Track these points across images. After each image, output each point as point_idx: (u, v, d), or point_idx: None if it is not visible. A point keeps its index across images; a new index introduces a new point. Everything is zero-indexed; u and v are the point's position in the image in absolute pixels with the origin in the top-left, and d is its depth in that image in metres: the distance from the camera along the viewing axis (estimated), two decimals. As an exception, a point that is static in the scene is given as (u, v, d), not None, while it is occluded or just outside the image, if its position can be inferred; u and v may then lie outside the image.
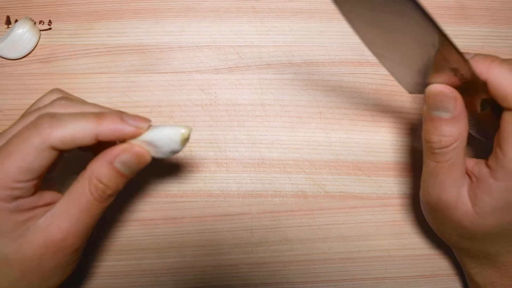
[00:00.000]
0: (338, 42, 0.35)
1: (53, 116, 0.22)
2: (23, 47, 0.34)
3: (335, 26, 0.35)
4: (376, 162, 0.33)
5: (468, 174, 0.25)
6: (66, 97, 0.24)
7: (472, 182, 0.24)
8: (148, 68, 0.34)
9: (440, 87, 0.24)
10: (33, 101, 0.33)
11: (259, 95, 0.34)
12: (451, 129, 0.24)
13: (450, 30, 0.36)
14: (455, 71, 0.23)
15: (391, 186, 0.33)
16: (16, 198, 0.22)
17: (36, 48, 0.34)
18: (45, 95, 0.26)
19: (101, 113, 0.23)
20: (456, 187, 0.24)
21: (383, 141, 0.34)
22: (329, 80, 0.34)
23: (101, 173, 0.23)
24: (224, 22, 0.35)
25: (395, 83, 0.34)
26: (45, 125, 0.21)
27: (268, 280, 0.31)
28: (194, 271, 0.31)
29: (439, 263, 0.32)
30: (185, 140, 0.24)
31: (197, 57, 0.35)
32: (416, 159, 0.33)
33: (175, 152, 0.25)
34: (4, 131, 0.24)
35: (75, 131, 0.22)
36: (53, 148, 0.22)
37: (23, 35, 0.33)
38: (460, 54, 0.21)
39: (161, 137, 0.24)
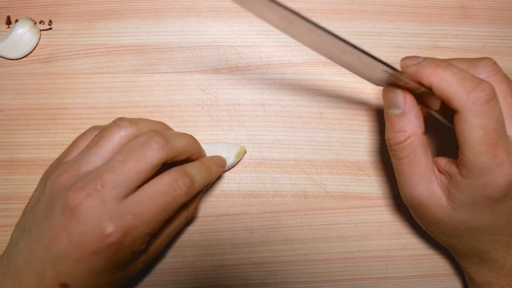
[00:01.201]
0: (339, 42, 0.35)
1: (192, 180, 0.26)
2: (23, 47, 0.34)
3: (335, 26, 0.35)
4: (376, 162, 0.33)
5: (442, 171, 0.26)
6: (160, 136, 0.25)
7: (446, 179, 0.25)
8: (148, 68, 0.34)
9: (392, 88, 0.26)
10: (33, 101, 0.33)
11: (259, 95, 0.34)
12: (403, 124, 0.25)
13: (450, 30, 0.36)
14: (396, 78, 0.25)
15: (392, 186, 0.33)
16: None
17: (36, 48, 0.34)
18: (118, 126, 0.26)
19: (209, 168, 0.29)
20: (424, 184, 0.25)
21: (383, 141, 0.34)
22: (330, 80, 0.34)
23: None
24: (224, 22, 0.35)
25: (396, 83, 0.34)
26: (189, 184, 0.26)
27: (268, 280, 0.31)
28: (194, 271, 0.31)
29: (439, 263, 0.32)
30: (240, 154, 0.32)
31: (198, 57, 0.35)
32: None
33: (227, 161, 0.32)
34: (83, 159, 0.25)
35: (204, 185, 0.28)
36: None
37: (23, 35, 0.33)
38: (387, 65, 0.23)
39: (224, 147, 0.32)
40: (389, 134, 0.26)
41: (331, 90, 0.34)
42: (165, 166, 0.26)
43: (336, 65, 0.35)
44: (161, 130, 0.26)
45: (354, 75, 0.35)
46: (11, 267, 0.24)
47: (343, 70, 0.35)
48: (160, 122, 0.29)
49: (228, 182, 0.33)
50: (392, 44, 0.35)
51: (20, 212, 0.32)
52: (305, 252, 0.32)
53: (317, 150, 0.33)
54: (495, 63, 0.25)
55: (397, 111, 0.26)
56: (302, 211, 0.32)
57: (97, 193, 0.23)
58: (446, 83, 0.23)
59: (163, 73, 0.34)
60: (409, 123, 0.25)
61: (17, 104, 0.33)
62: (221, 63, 0.35)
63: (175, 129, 0.33)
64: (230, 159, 0.31)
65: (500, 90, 0.24)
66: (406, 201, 0.27)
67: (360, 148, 0.33)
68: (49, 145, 0.33)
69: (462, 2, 0.36)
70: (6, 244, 0.31)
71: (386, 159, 0.33)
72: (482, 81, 0.23)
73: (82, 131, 0.33)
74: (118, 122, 0.26)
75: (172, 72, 0.34)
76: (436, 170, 0.26)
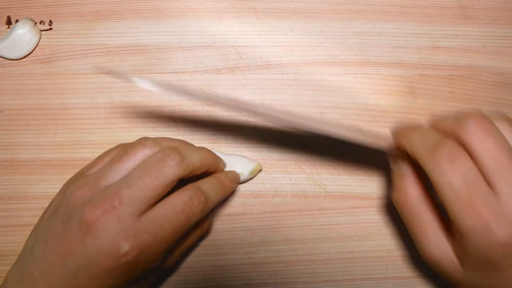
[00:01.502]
0: (339, 42, 0.35)
1: (206, 198, 0.26)
2: (23, 47, 0.34)
3: (335, 26, 0.35)
4: (376, 162, 0.33)
5: (452, 231, 0.25)
6: (178, 154, 0.26)
7: (454, 239, 0.24)
8: (148, 68, 0.34)
9: (395, 149, 0.27)
10: (33, 101, 0.33)
11: (259, 95, 0.34)
12: (404, 184, 0.25)
13: (450, 30, 0.36)
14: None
15: (391, 186, 0.33)
16: None
17: (36, 48, 0.34)
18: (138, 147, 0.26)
19: (224, 184, 0.29)
20: (433, 244, 0.25)
21: (383, 141, 0.34)
22: (330, 80, 0.34)
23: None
24: (224, 22, 0.35)
25: (396, 83, 0.35)
26: (203, 202, 0.26)
27: (269, 280, 0.31)
28: (194, 271, 0.31)
29: (440, 263, 0.32)
30: (254, 171, 0.32)
31: (198, 57, 0.35)
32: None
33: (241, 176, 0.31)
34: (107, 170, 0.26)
35: (219, 201, 0.28)
36: None
37: (23, 35, 0.33)
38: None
39: (241, 161, 0.32)
40: (393, 195, 0.27)
41: (331, 90, 0.34)
42: (181, 180, 0.26)
43: (336, 65, 0.35)
44: (179, 146, 0.26)
45: (354, 75, 0.35)
46: (26, 275, 0.24)
47: (343, 70, 0.35)
48: (182, 140, 0.30)
49: (228, 182, 0.33)
50: (392, 44, 0.35)
51: (20, 212, 0.32)
52: (306, 252, 0.32)
53: (317, 150, 0.33)
54: (481, 118, 0.23)
55: (399, 171, 0.26)
56: (302, 211, 0.32)
57: (114, 210, 0.23)
58: (414, 146, 0.24)
59: (163, 73, 0.34)
60: (409, 182, 0.25)
61: (17, 104, 0.33)
62: (221, 63, 0.35)
63: (175, 130, 0.33)
64: (243, 175, 0.31)
65: (486, 148, 0.22)
66: (426, 262, 0.26)
67: (360, 148, 0.33)
68: (49, 145, 0.33)
69: (462, 2, 0.36)
70: (6, 245, 0.31)
71: (386, 160, 0.33)
72: (445, 140, 0.23)
73: (82, 131, 0.33)
74: (143, 141, 0.26)
75: (172, 72, 0.34)
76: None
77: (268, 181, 0.33)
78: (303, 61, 0.35)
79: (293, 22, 0.35)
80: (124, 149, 0.26)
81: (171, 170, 0.25)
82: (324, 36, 0.35)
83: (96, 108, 0.33)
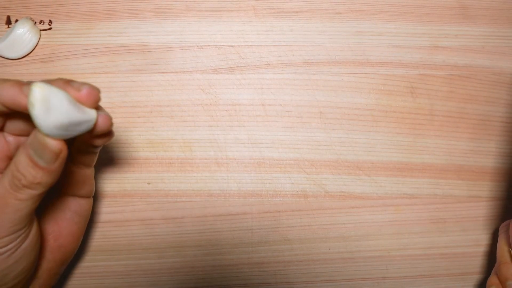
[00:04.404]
0: (339, 42, 0.35)
1: None
2: (23, 47, 0.34)
3: (335, 26, 0.35)
4: (376, 162, 0.33)
5: None
6: None
7: None
8: (148, 68, 0.34)
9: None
10: (33, 101, 0.33)
11: (259, 95, 0.34)
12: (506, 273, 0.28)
13: (450, 30, 0.36)
14: None
15: (391, 186, 0.33)
16: None
17: (36, 48, 0.34)
18: None
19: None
20: None
21: (383, 141, 0.34)
22: (330, 80, 0.34)
23: (19, 159, 0.20)
24: (224, 22, 0.35)
25: (396, 83, 0.35)
26: None
27: (268, 280, 0.31)
28: (194, 271, 0.31)
29: (439, 263, 0.32)
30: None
31: (198, 57, 0.35)
32: (415, 159, 0.33)
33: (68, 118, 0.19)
34: None
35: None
36: None
37: (23, 35, 0.33)
38: None
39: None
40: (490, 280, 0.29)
41: (331, 90, 0.34)
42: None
43: (336, 64, 0.35)
44: None
45: (354, 74, 0.35)
46: None
47: (343, 70, 0.35)
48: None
49: (228, 182, 0.33)
50: (392, 44, 0.35)
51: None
52: (305, 252, 0.32)
53: (317, 150, 0.33)
54: None
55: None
56: (302, 211, 0.32)
57: None
58: None
59: (163, 73, 0.34)
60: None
61: (17, 104, 0.33)
62: (221, 63, 0.35)
63: (175, 129, 0.33)
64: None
65: None
66: None
67: (360, 148, 0.33)
68: (49, 145, 0.33)
69: (462, 2, 0.36)
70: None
71: (386, 159, 0.33)
72: None
73: (82, 131, 0.33)
74: None
75: (172, 72, 0.34)
76: None
77: (268, 181, 0.33)
78: (303, 61, 0.35)
79: (293, 22, 0.35)
80: None
81: None
82: (324, 35, 0.35)
83: (96, 108, 0.33)
